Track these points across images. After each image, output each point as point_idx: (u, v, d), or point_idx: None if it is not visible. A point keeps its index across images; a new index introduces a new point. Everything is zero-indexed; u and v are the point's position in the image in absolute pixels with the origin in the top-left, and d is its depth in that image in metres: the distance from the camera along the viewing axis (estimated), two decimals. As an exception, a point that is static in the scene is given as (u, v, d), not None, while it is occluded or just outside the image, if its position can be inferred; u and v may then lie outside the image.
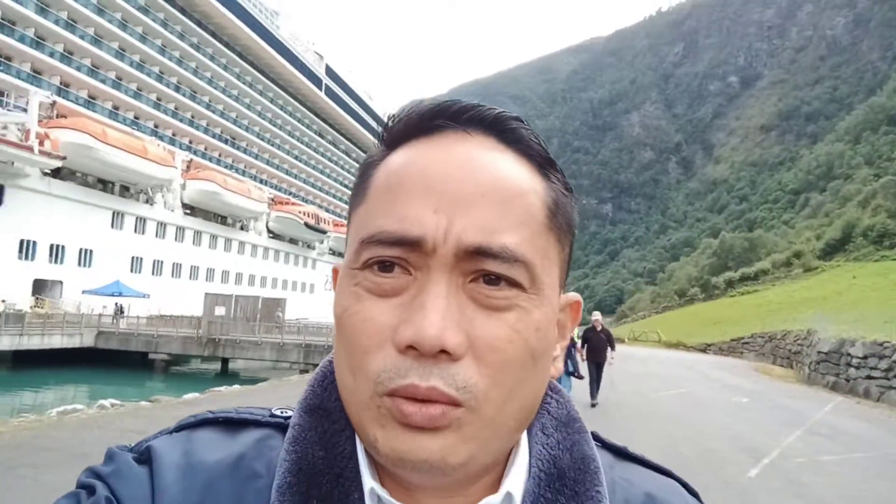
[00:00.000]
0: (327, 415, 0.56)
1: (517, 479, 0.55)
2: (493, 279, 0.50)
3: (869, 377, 16.50)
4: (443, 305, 0.48)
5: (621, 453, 0.64)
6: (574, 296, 0.60)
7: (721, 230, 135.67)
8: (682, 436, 9.86)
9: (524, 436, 0.57)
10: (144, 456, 0.55)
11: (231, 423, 0.59)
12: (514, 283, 0.50)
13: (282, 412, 0.61)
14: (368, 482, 0.52)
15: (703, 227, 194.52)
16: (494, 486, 0.54)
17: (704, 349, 39.13)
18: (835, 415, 13.13)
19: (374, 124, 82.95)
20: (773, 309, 44.35)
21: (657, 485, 0.61)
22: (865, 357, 16.86)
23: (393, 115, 0.57)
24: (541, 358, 0.52)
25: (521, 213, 0.51)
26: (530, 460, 0.57)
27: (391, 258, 0.50)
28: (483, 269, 0.50)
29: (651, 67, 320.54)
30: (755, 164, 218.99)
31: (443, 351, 0.48)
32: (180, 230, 50.80)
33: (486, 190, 0.50)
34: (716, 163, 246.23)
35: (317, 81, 77.61)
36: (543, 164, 0.55)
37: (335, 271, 0.59)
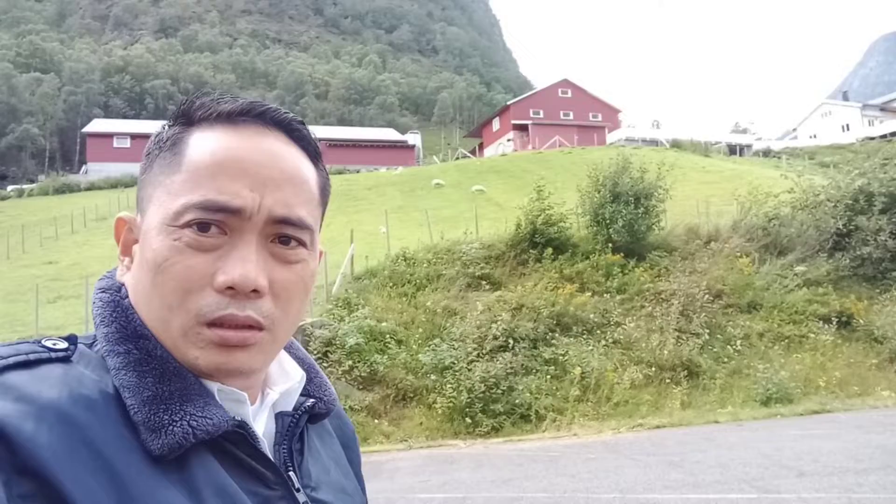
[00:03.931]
0: (149, 339, 0.67)
1: (294, 366, 0.82)
2: (286, 240, 0.70)
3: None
4: (255, 258, 0.66)
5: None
6: (321, 248, 0.79)
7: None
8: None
9: None
10: None
11: (26, 365, 0.61)
12: (301, 243, 0.71)
13: (55, 344, 0.65)
14: (206, 382, 0.69)
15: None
16: (264, 372, 0.77)
17: None
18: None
19: None
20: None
21: None
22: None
23: (192, 99, 0.72)
24: (310, 295, 0.76)
25: (307, 194, 0.72)
26: (291, 354, 0.83)
27: (213, 220, 0.66)
28: (283, 233, 0.69)
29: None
30: None
31: (254, 291, 0.66)
32: None
33: (287, 176, 0.70)
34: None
35: None
36: (317, 157, 0.76)
37: (121, 220, 0.74)
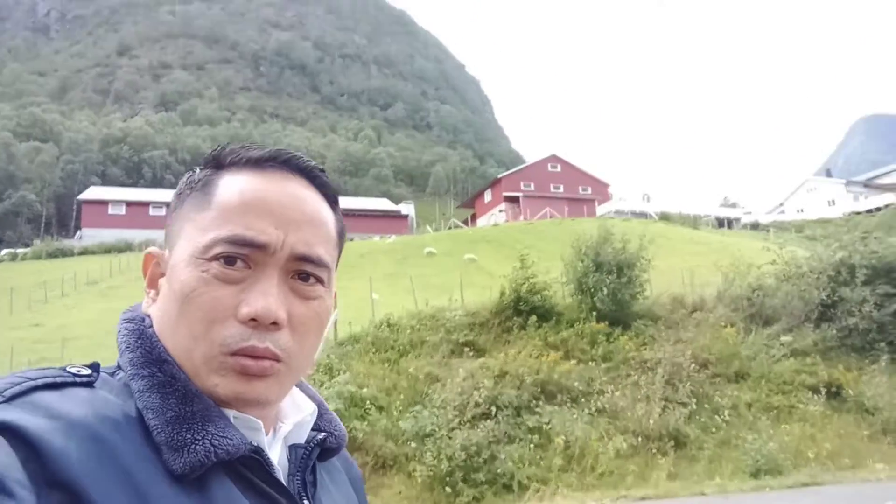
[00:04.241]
0: (172, 364, 0.70)
1: (305, 400, 0.84)
2: (305, 277, 0.73)
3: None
4: (276, 292, 0.70)
5: None
6: (335, 289, 0.82)
7: None
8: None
9: None
10: None
11: (54, 386, 0.63)
12: (319, 280, 0.74)
13: (79, 371, 0.67)
14: (223, 409, 0.71)
15: None
16: (278, 405, 0.79)
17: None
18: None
19: None
20: None
21: None
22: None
23: (222, 146, 0.78)
24: (325, 330, 0.79)
25: (326, 235, 0.76)
26: (304, 392, 0.86)
27: (239, 254, 0.69)
28: (303, 269, 0.73)
29: None
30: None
31: (273, 323, 0.69)
32: None
33: (308, 218, 0.74)
34: None
35: None
36: (334, 202, 0.81)
37: (149, 256, 0.78)
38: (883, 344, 14.28)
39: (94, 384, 0.67)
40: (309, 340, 0.74)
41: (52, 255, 42.95)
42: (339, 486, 0.86)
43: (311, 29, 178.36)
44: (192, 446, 0.64)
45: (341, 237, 0.81)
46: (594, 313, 14.92)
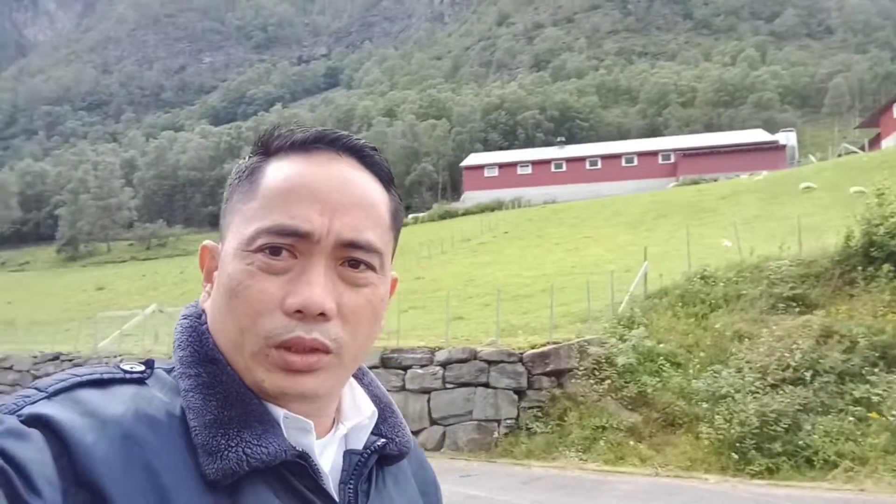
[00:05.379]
0: (222, 363, 0.69)
1: (366, 401, 0.80)
2: (355, 264, 0.70)
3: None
4: (323, 281, 0.67)
5: None
6: (394, 274, 0.79)
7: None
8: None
9: None
10: (31, 422, 0.57)
11: (99, 383, 0.64)
12: (370, 267, 0.71)
13: (132, 367, 0.68)
14: (273, 408, 0.69)
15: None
16: (335, 401, 0.77)
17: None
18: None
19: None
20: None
21: None
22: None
23: (270, 130, 0.76)
24: (380, 320, 0.75)
25: (376, 218, 0.72)
26: (367, 391, 0.83)
27: (283, 245, 0.67)
28: (352, 256, 0.70)
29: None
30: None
31: (321, 314, 0.66)
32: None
33: (356, 201, 0.71)
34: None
35: None
36: (388, 182, 0.77)
37: (205, 248, 0.78)
38: None
39: (146, 381, 0.67)
40: (362, 330, 0.71)
41: (442, 217, 51.40)
42: (402, 490, 0.81)
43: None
44: (225, 453, 0.63)
45: (396, 219, 0.78)
46: (982, 259, 11.54)
